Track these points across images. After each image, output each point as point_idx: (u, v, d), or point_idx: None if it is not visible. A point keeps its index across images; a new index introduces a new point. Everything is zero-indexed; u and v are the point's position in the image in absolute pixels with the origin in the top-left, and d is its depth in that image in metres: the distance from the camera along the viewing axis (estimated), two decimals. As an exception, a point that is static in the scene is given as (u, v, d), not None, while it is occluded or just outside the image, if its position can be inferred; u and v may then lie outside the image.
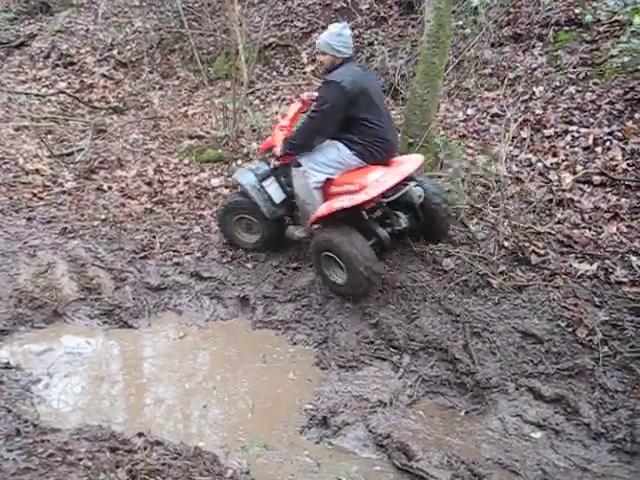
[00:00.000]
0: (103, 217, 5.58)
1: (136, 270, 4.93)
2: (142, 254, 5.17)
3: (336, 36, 4.53)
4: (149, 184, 6.14)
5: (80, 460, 2.93)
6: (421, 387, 3.98)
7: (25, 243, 4.93)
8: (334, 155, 4.58)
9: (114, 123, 7.41)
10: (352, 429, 3.66)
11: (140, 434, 3.30)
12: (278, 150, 4.88)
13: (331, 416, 3.71)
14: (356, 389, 3.96)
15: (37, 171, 6.14)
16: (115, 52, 9.49)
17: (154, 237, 5.39)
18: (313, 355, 4.31)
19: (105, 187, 6.10)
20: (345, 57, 4.56)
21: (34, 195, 5.83)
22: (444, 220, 4.83)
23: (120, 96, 8.52)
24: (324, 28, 8.46)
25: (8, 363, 3.94)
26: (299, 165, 4.66)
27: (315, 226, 4.79)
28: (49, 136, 6.92)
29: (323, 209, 4.48)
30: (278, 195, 5.02)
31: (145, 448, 3.16)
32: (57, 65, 9.40)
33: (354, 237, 4.45)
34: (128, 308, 4.59)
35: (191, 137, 6.95)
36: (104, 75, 9.06)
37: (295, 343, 4.44)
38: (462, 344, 4.11)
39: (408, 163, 4.63)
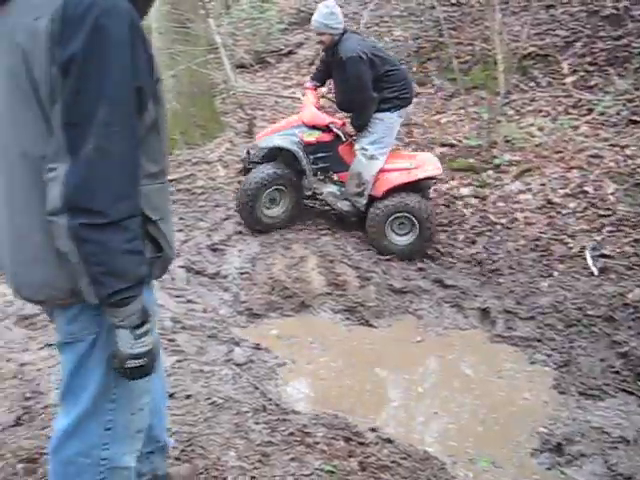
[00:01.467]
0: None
1: (381, 271, 5.07)
2: (388, 256, 5.31)
3: (330, 15, 5.02)
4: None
5: (317, 444, 3.10)
6: (674, 430, 3.63)
7: (282, 236, 5.31)
8: (381, 126, 5.22)
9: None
10: (589, 462, 3.43)
11: (373, 429, 3.40)
12: (348, 129, 5.52)
13: (566, 444, 3.51)
14: (596, 420, 3.70)
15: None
16: (374, 60, 9.81)
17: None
18: (552, 377, 4.12)
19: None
20: (343, 30, 5.12)
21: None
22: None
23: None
24: (589, 37, 8.07)
25: (259, 344, 4.27)
26: (365, 149, 5.27)
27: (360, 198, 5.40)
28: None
29: (405, 178, 5.27)
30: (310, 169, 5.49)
31: (377, 443, 3.24)
32: (320, 72, 9.94)
33: (424, 200, 5.31)
34: (370, 307, 4.73)
35: (443, 145, 6.99)
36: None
37: (533, 362, 4.27)
38: None
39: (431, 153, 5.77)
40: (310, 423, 3.30)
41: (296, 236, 5.27)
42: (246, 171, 5.73)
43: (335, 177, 5.59)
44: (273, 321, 4.62)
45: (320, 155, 5.51)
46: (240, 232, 5.36)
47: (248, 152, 5.79)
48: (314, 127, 5.44)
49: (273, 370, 4.07)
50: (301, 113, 5.66)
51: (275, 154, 5.55)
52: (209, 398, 3.38)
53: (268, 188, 5.43)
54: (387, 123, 5.23)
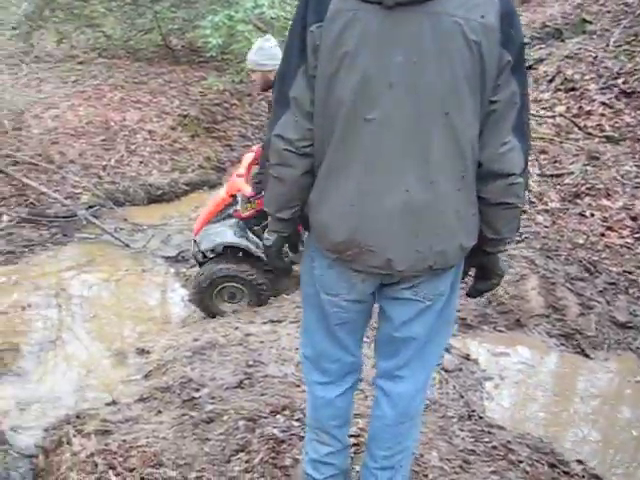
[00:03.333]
0: (581, 242, 5.57)
1: (605, 301, 4.81)
2: (615, 289, 5.03)
3: (259, 50, 4.56)
4: (634, 219, 5.92)
5: (520, 462, 3.05)
6: None
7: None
8: None
9: (607, 152, 7.29)
10: None
11: (579, 461, 3.28)
12: (247, 191, 4.63)
13: None
14: None
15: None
16: (620, 81, 9.29)
17: (629, 273, 5.20)
18: None
19: (587, 214, 6.07)
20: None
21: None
22: None
23: (617, 125, 8.33)
24: None
25: (468, 355, 4.27)
26: None
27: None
28: (542, 155, 7.15)
29: None
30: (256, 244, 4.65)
31: (583, 477, 3.12)
32: (558, 89, 9.60)
33: None
34: (588, 337, 4.50)
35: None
36: (604, 103, 8.95)
37: None
38: None
39: None
40: (514, 441, 3.26)
41: (520, 253, 5.18)
42: (200, 264, 4.97)
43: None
44: (485, 334, 4.58)
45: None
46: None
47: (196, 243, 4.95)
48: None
49: (479, 382, 4.06)
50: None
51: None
52: (417, 397, 3.46)
53: (220, 286, 4.75)
54: None
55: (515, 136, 1.86)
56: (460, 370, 4.06)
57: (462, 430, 3.26)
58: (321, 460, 2.39)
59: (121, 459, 2.91)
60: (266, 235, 2.17)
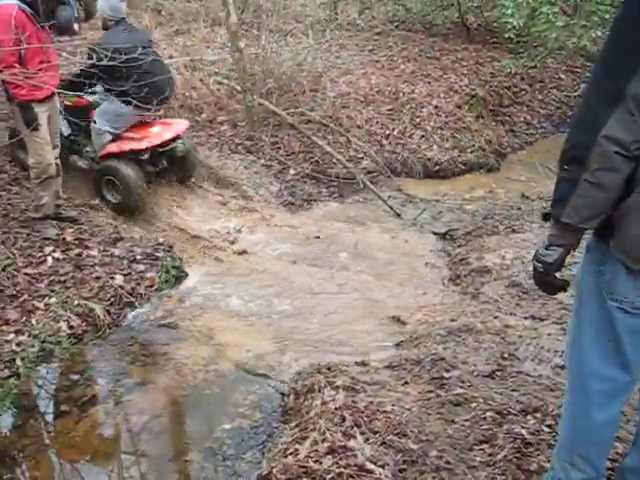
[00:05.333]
0: None
1: None
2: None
3: (106, 0, 5.49)
4: None
5: None
6: None
7: None
8: (112, 108, 5.75)
9: None
10: None
11: None
12: (73, 71, 6.23)
13: None
14: None
15: None
16: None
17: None
18: None
19: None
20: (115, 19, 5.53)
21: None
22: (192, 167, 6.54)
23: None
24: None
25: None
26: (94, 121, 5.87)
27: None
28: None
29: (114, 148, 5.84)
30: (66, 129, 6.00)
31: None
32: None
33: (131, 168, 5.82)
34: None
35: None
36: None
37: None
38: None
39: (179, 125, 6.23)
40: None
41: None
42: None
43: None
44: None
45: (78, 117, 6.04)
46: None
47: None
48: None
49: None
50: None
51: None
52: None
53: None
54: (119, 111, 5.72)
55: None
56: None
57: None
58: None
59: (367, 419, 3.00)
60: (546, 251, 2.00)
